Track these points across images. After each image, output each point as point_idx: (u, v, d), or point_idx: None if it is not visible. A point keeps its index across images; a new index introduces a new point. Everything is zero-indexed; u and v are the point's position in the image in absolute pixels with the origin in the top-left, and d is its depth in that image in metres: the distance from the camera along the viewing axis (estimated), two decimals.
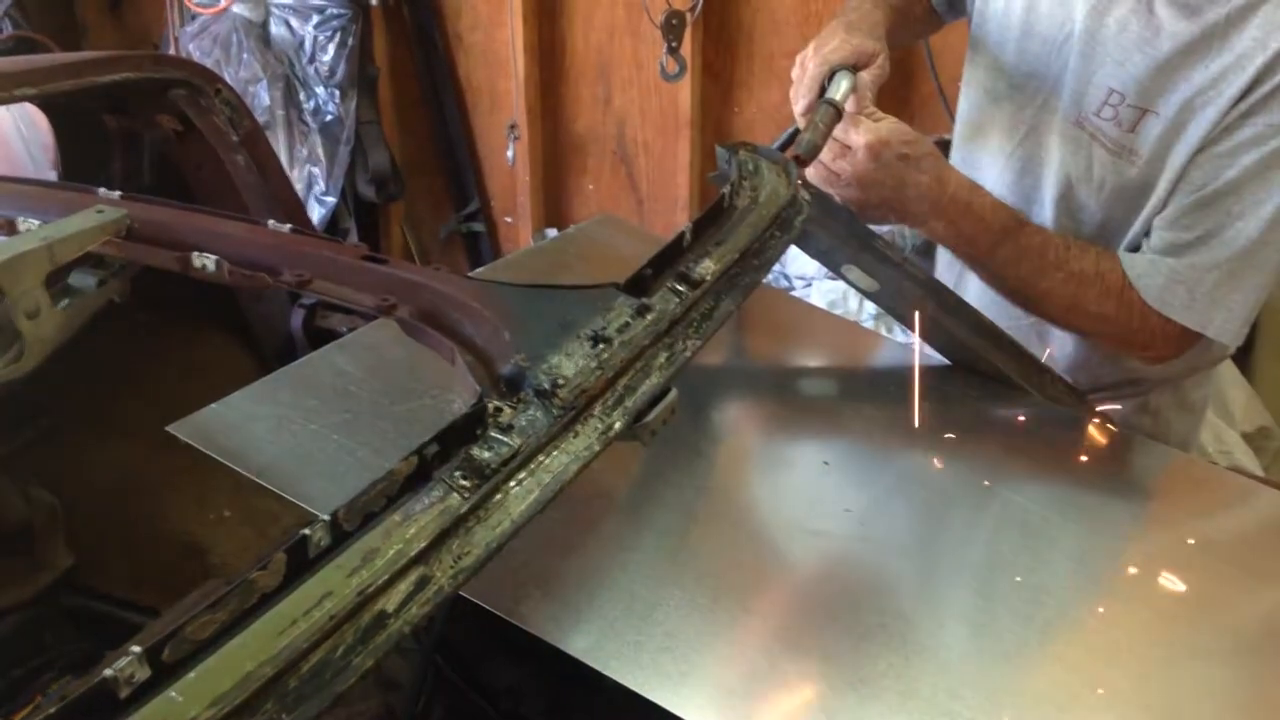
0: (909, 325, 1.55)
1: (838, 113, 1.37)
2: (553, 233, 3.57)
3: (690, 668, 0.91)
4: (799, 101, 1.45)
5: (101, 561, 1.64)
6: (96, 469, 1.73)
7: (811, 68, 1.43)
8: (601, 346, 0.94)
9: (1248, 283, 1.41)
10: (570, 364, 0.91)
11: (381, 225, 3.75)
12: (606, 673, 0.88)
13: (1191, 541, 1.27)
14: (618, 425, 0.90)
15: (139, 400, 1.79)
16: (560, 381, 0.89)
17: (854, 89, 1.39)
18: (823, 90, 1.41)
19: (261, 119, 3.26)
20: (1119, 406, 1.66)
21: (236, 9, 3.39)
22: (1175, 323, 1.43)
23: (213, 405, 1.07)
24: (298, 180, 3.41)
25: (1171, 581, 1.17)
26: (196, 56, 3.42)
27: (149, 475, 1.74)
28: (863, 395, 1.53)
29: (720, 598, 0.99)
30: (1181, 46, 1.38)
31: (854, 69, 1.41)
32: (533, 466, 0.84)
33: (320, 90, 3.45)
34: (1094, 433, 1.47)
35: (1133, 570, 1.20)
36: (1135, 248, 1.48)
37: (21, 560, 1.58)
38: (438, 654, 1.36)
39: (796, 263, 2.93)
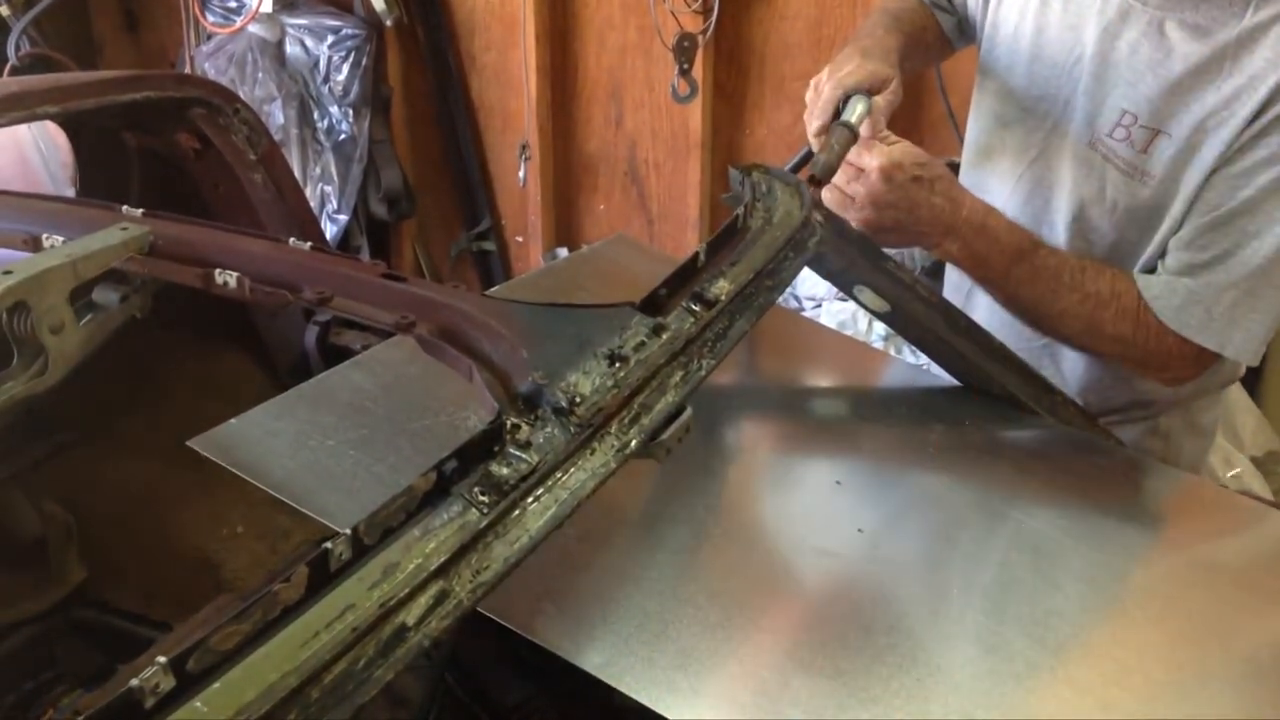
0: (919, 346, 1.56)
1: (853, 136, 1.38)
2: (564, 252, 3.59)
3: (703, 685, 0.92)
4: (813, 124, 1.46)
5: (114, 576, 1.65)
6: (110, 484, 1.75)
7: (827, 91, 1.44)
8: (618, 365, 0.95)
9: (1265, 301, 1.41)
10: (587, 382, 0.92)
11: (393, 244, 3.77)
12: (621, 689, 0.88)
13: (1202, 564, 1.27)
14: (634, 443, 0.91)
15: (153, 416, 1.80)
16: (578, 399, 0.90)
17: (869, 113, 1.40)
18: (837, 113, 1.42)
19: (276, 137, 3.28)
20: (1129, 429, 1.66)
21: (252, 29, 3.42)
22: (1193, 343, 1.43)
23: (232, 421, 1.08)
24: (311, 199, 3.43)
25: (1182, 604, 1.17)
26: (212, 75, 3.45)
27: (162, 490, 1.75)
28: (873, 415, 1.53)
29: (733, 616, 0.99)
30: (1193, 68, 1.39)
31: (869, 93, 1.42)
32: (550, 483, 0.85)
33: (334, 109, 3.48)
34: (1104, 455, 1.48)
35: (1143, 593, 1.20)
36: (1150, 270, 1.48)
37: (35, 574, 1.59)
38: (447, 671, 1.36)
39: (806, 284, 2.94)
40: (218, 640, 0.64)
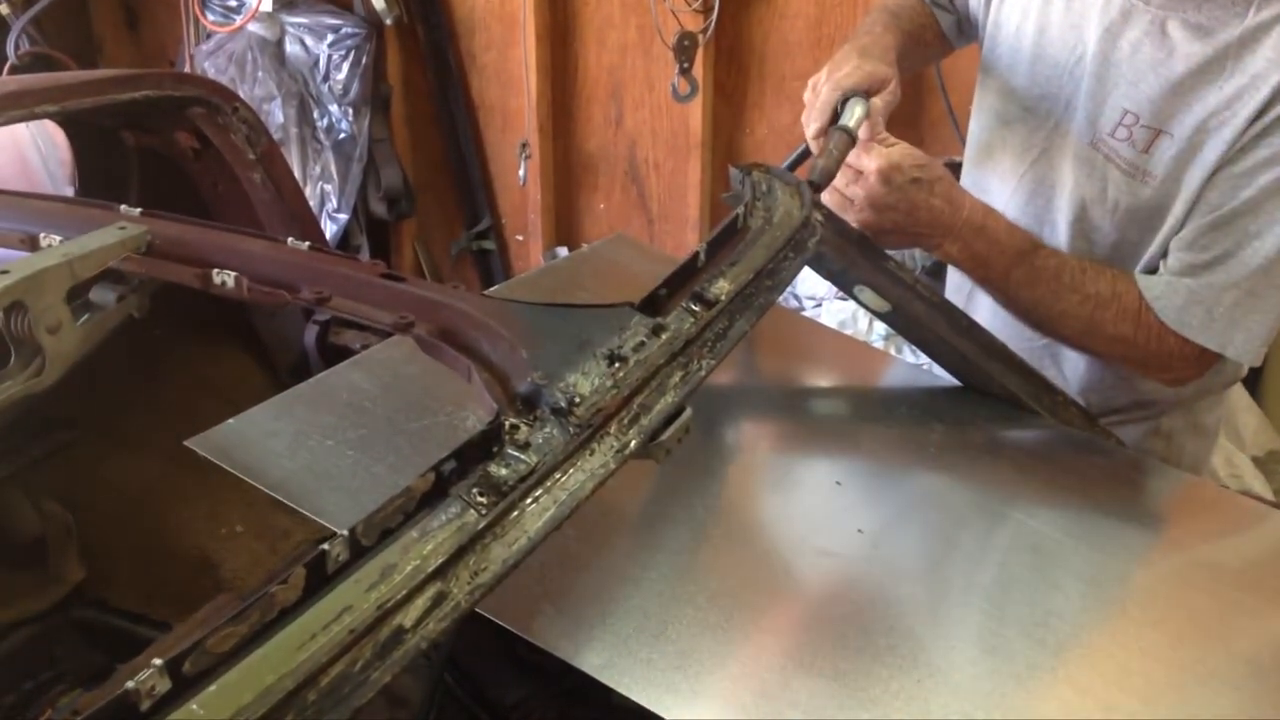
0: (920, 346, 1.55)
1: (851, 139, 1.38)
2: (564, 251, 3.59)
3: (702, 686, 0.91)
4: (811, 126, 1.45)
5: (113, 575, 1.65)
6: (110, 483, 1.74)
7: (825, 93, 1.43)
8: (617, 365, 0.94)
9: (1267, 302, 1.40)
10: (587, 382, 0.92)
11: (393, 243, 3.77)
12: (620, 690, 0.88)
13: (1203, 565, 1.27)
14: (633, 443, 0.91)
15: (153, 415, 1.80)
16: (577, 400, 0.89)
17: (867, 115, 1.40)
18: (836, 115, 1.42)
19: (275, 136, 3.28)
20: (1131, 429, 1.66)
21: (252, 27, 3.42)
22: (1194, 343, 1.42)
23: (230, 421, 1.08)
24: (311, 197, 3.43)
25: (1182, 605, 1.17)
26: (212, 74, 3.45)
27: (162, 490, 1.75)
28: (874, 415, 1.53)
29: (732, 617, 0.99)
30: (1195, 68, 1.39)
31: (867, 94, 1.42)
32: (549, 484, 0.84)
33: (334, 108, 3.48)
34: (1105, 456, 1.47)
35: (1144, 593, 1.20)
36: (1152, 270, 1.48)
37: (34, 573, 1.59)
38: (446, 671, 1.36)
39: (806, 283, 2.94)
40: (214, 642, 0.64)
